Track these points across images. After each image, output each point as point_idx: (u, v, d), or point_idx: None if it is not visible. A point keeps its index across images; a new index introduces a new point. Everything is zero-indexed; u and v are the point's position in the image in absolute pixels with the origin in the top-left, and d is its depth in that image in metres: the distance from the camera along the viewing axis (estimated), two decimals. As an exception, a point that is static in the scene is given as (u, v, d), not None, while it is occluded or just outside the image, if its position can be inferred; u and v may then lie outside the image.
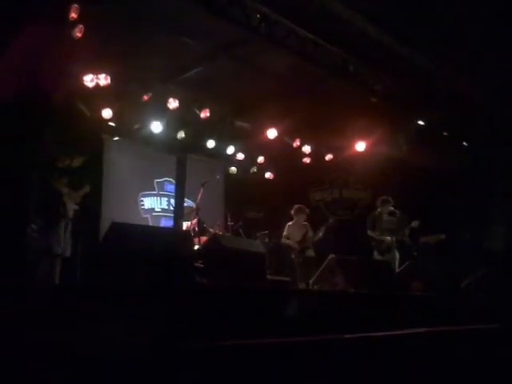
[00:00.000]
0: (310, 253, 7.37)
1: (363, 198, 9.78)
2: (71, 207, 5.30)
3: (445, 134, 8.01)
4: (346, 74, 6.39)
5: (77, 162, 5.41)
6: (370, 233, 7.27)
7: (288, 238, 7.46)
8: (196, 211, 7.12)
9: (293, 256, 7.28)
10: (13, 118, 4.92)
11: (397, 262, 6.95)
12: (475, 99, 7.37)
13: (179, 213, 7.76)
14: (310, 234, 7.43)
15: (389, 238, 7.07)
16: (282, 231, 7.55)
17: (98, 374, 2.03)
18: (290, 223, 7.55)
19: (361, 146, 8.58)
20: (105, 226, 6.61)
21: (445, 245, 7.27)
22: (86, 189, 5.49)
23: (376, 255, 7.12)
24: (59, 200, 5.14)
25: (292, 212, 7.51)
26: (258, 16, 5.39)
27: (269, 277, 6.52)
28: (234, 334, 2.71)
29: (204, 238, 6.63)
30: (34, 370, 1.90)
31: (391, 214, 7.20)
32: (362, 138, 8.50)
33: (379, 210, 7.29)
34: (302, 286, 6.71)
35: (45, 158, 5.38)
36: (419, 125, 7.85)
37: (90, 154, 6.04)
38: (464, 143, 8.20)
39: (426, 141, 7.88)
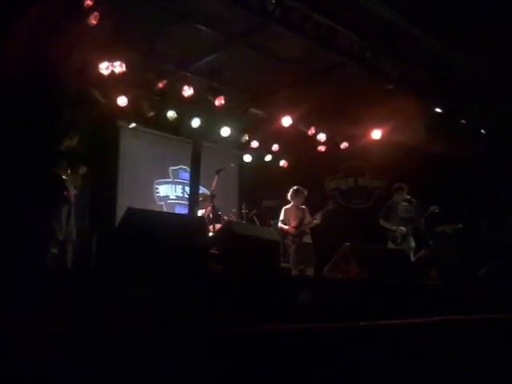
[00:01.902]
0: (308, 239, 7.14)
1: (379, 186, 9.70)
2: (72, 191, 5.28)
3: (463, 121, 7.89)
4: (362, 60, 6.31)
5: (74, 141, 5.35)
6: (382, 222, 7.19)
7: (284, 223, 7.18)
8: (211, 199, 7.14)
9: (288, 242, 7.01)
10: (29, 108, 4.95)
11: (412, 251, 6.89)
12: (492, 87, 7.22)
13: (194, 200, 7.78)
14: (308, 218, 7.18)
15: (403, 228, 7.01)
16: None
17: (111, 361, 2.05)
18: (286, 207, 7.29)
19: (377, 134, 8.49)
20: (120, 212, 6.69)
21: (461, 234, 7.20)
22: (83, 169, 5.42)
23: (390, 244, 7.06)
24: (61, 185, 5.14)
25: (288, 195, 7.26)
26: (273, 1, 5.33)
27: (283, 264, 6.53)
28: (249, 320, 2.72)
29: (218, 226, 6.65)
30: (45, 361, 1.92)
31: (408, 202, 7.14)
32: (377, 125, 8.41)
33: (395, 198, 7.23)
34: (295, 272, 6.64)
35: (47, 146, 5.36)
36: (437, 112, 7.73)
37: (105, 141, 6.07)
38: (482, 131, 8.07)
39: (444, 129, 7.76)
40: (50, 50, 4.70)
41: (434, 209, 6.87)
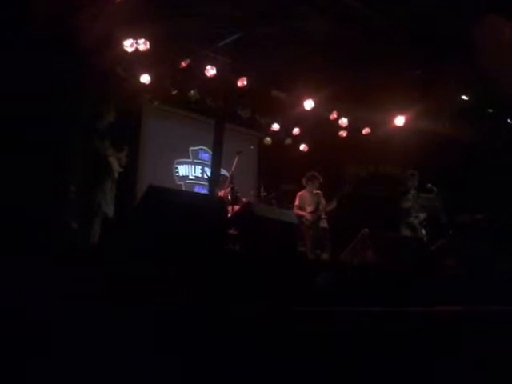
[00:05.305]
0: (323, 223, 7.11)
1: (400, 174, 9.57)
2: (116, 168, 5.38)
3: (489, 110, 7.72)
4: (389, 44, 6.19)
5: (111, 116, 5.40)
6: (399, 210, 7.11)
7: (300, 209, 7.15)
8: (230, 179, 7.15)
9: (304, 227, 6.96)
10: (52, 82, 4.99)
11: (425, 240, 6.82)
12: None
13: (215, 180, 7.80)
14: (323, 202, 7.16)
15: (421, 214, 6.94)
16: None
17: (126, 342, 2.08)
18: (301, 192, 7.27)
19: (400, 121, 8.35)
20: (140, 189, 6.74)
21: (482, 224, 7.09)
22: (126, 150, 5.53)
23: (404, 231, 7.00)
24: (105, 161, 5.23)
25: (303, 180, 7.25)
26: (301, -19, 5.26)
27: (299, 248, 6.53)
28: (265, 300, 2.74)
29: (237, 207, 6.67)
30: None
31: (428, 190, 7.05)
32: (401, 111, 8.27)
33: (408, 184, 7.15)
34: (311, 257, 6.64)
35: (86, 121, 5.45)
36: (463, 100, 7.57)
37: (127, 119, 6.10)
38: (509, 120, 7.89)
39: (470, 117, 7.61)
40: (72, 17, 4.72)
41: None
